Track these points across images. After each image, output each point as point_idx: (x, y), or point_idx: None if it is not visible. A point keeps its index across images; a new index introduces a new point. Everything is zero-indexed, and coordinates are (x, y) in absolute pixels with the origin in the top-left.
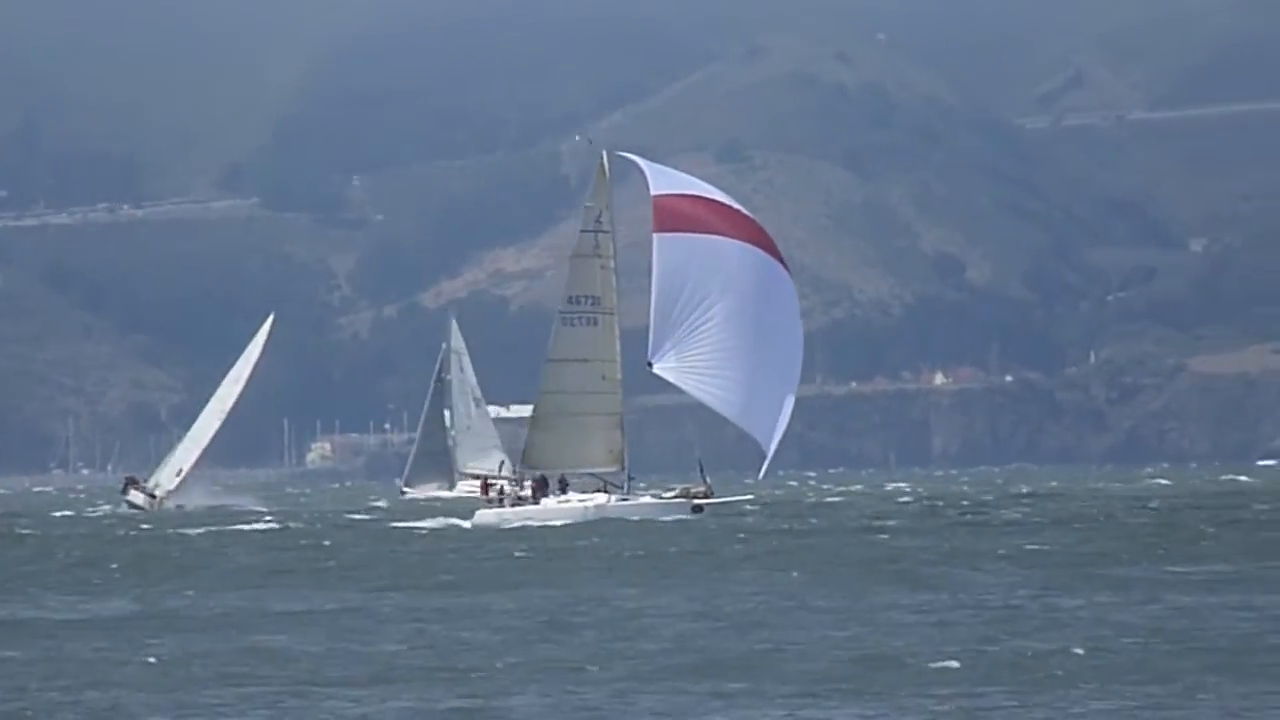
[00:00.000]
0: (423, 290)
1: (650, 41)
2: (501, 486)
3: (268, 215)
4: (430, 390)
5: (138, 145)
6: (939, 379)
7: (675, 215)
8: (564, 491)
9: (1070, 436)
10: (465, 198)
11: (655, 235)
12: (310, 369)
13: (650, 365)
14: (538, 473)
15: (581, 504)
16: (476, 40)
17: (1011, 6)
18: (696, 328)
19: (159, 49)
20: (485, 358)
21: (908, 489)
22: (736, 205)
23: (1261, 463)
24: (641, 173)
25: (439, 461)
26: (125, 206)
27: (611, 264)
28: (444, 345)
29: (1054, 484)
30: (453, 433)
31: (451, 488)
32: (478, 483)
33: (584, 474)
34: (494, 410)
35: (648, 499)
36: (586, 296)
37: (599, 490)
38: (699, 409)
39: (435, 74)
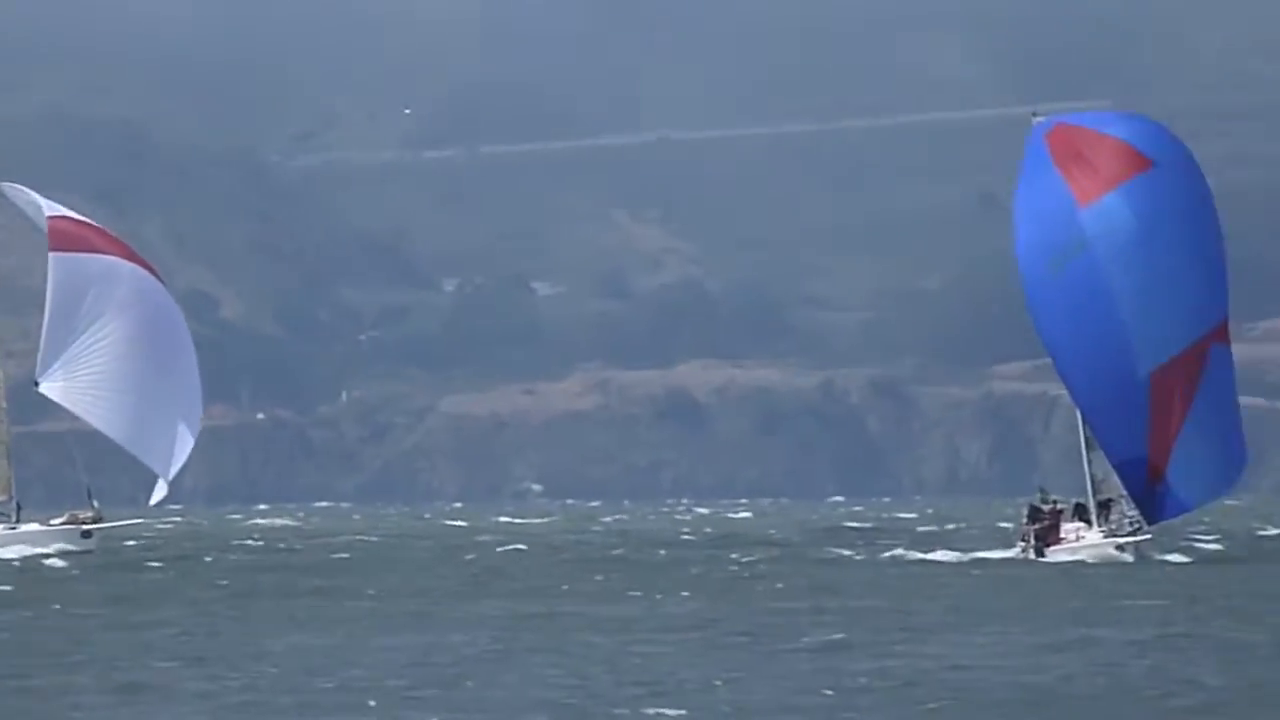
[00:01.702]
0: None
1: None
2: None
3: None
4: None
5: None
6: None
7: (70, 236)
8: None
9: (321, 475)
10: None
11: (51, 255)
12: None
13: (37, 385)
14: None
15: None
16: None
17: (265, 41)
18: (89, 348)
19: None
20: None
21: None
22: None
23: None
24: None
25: None
26: None
27: None
28: None
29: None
30: None
31: None
32: None
33: None
34: None
35: (35, 526)
36: None
37: None
38: (90, 436)
39: None
